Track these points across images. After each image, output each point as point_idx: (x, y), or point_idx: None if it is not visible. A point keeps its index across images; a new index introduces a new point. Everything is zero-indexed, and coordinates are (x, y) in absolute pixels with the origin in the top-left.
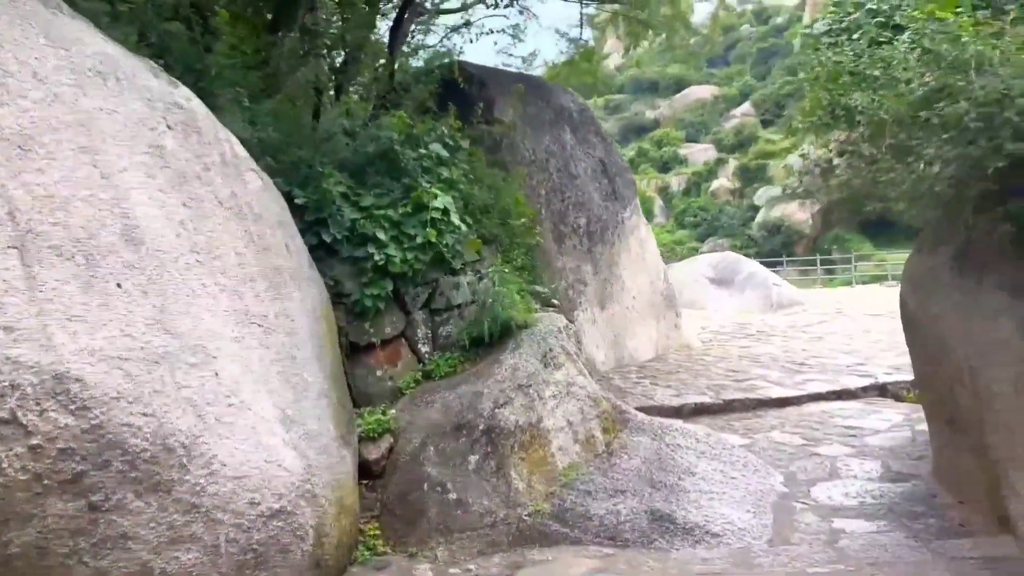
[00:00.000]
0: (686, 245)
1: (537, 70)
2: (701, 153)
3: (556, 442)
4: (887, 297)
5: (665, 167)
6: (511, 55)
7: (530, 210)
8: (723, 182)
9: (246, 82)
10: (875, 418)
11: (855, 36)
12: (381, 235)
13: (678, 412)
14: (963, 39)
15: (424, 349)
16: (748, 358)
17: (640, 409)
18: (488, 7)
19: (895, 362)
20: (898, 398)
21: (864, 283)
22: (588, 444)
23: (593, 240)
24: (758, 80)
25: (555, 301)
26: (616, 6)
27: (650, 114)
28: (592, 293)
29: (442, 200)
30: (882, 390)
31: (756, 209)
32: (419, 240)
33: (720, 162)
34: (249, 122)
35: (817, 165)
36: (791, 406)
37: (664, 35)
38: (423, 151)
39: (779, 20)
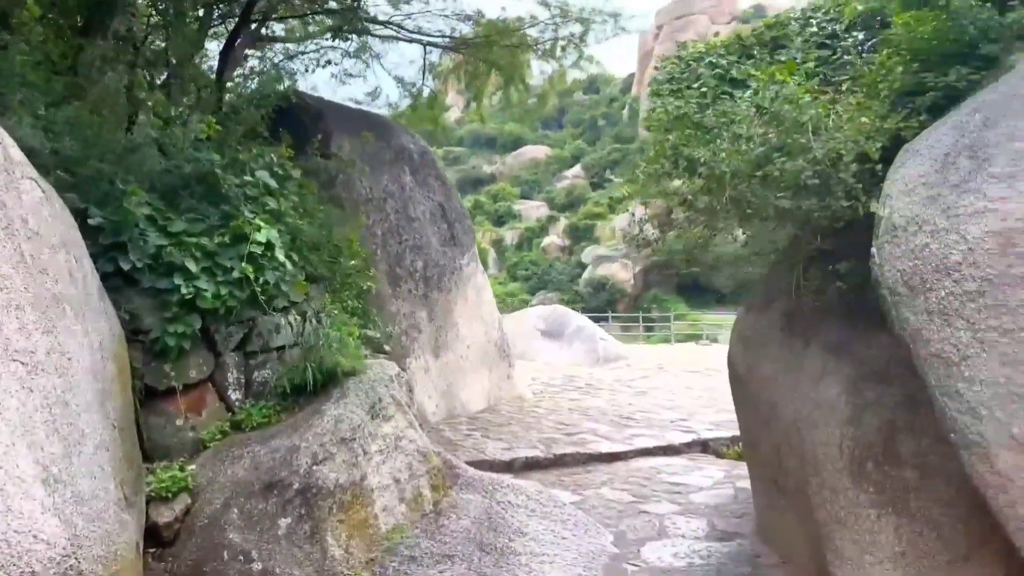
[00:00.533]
0: (517, 297)
1: (379, 110)
2: (534, 210)
3: (380, 502)
4: (703, 355)
5: (500, 221)
6: (346, 82)
7: (364, 250)
8: (554, 239)
9: (48, 87)
10: (699, 475)
11: (694, 85)
12: (191, 265)
13: (509, 467)
14: (802, 102)
15: (235, 396)
16: (578, 411)
17: (471, 463)
18: (330, 39)
19: (715, 418)
20: (719, 454)
21: (680, 341)
22: (415, 503)
23: (430, 285)
24: (589, 145)
25: (387, 347)
26: (457, 54)
27: (487, 168)
28: (426, 340)
29: (266, 233)
30: (704, 446)
31: (584, 266)
32: (236, 274)
33: (552, 220)
34: (43, 129)
35: (649, 219)
36: (620, 461)
37: (503, 86)
38: (248, 178)
39: (610, 91)
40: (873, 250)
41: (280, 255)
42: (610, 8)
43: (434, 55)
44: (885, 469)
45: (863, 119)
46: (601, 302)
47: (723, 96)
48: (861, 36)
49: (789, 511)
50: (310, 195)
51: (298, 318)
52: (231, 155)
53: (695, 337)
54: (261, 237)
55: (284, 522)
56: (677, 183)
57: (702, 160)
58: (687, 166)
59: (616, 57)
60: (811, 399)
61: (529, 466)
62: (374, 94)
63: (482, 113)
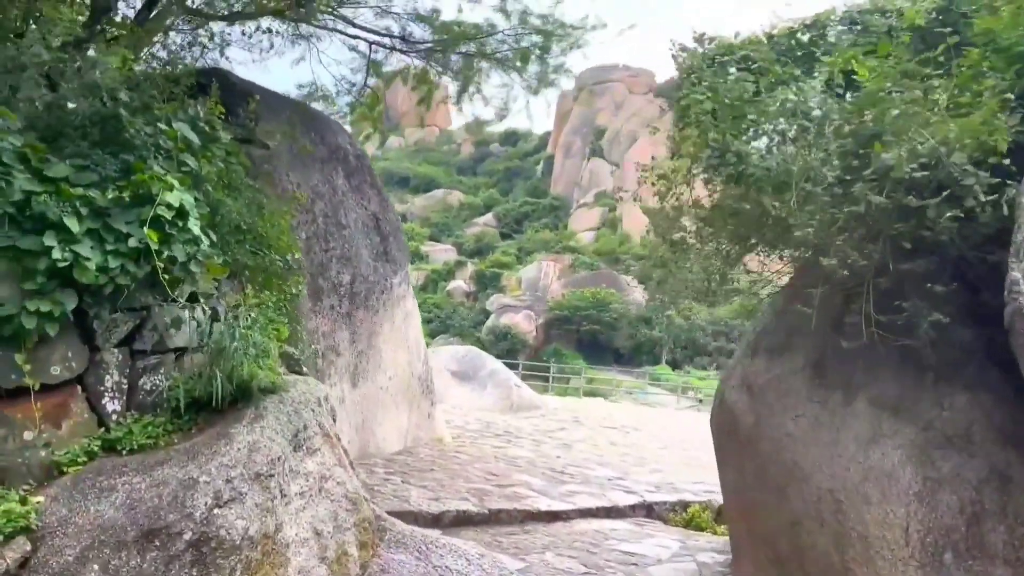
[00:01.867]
0: None
1: (314, 104)
2: (442, 253)
3: (296, 561)
4: (614, 411)
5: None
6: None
7: (296, 246)
8: (460, 284)
9: None
10: (651, 543)
11: (726, 79)
12: (72, 224)
13: (437, 521)
14: (900, 87)
15: (112, 407)
16: (505, 460)
17: (394, 514)
18: (266, 20)
19: (651, 479)
20: (663, 520)
21: (585, 395)
22: (339, 565)
23: (355, 303)
24: (502, 195)
25: (304, 369)
26: (404, 55)
27: (398, 207)
28: (345, 366)
29: (179, 196)
30: (649, 510)
31: (487, 314)
32: (133, 243)
33: (459, 264)
34: None
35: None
36: (560, 521)
37: (457, 95)
38: (164, 127)
39: (526, 145)
40: (1016, 275)
41: (195, 227)
42: (570, 20)
43: (379, 55)
44: (969, 563)
45: (977, 114)
46: (502, 351)
47: (778, 85)
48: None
49: None
50: (239, 165)
51: (207, 312)
52: (143, 99)
53: (594, 393)
54: (173, 199)
55: None
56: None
57: (755, 154)
58: (736, 162)
59: (534, 116)
60: (859, 466)
61: (460, 521)
62: (309, 88)
63: (424, 119)
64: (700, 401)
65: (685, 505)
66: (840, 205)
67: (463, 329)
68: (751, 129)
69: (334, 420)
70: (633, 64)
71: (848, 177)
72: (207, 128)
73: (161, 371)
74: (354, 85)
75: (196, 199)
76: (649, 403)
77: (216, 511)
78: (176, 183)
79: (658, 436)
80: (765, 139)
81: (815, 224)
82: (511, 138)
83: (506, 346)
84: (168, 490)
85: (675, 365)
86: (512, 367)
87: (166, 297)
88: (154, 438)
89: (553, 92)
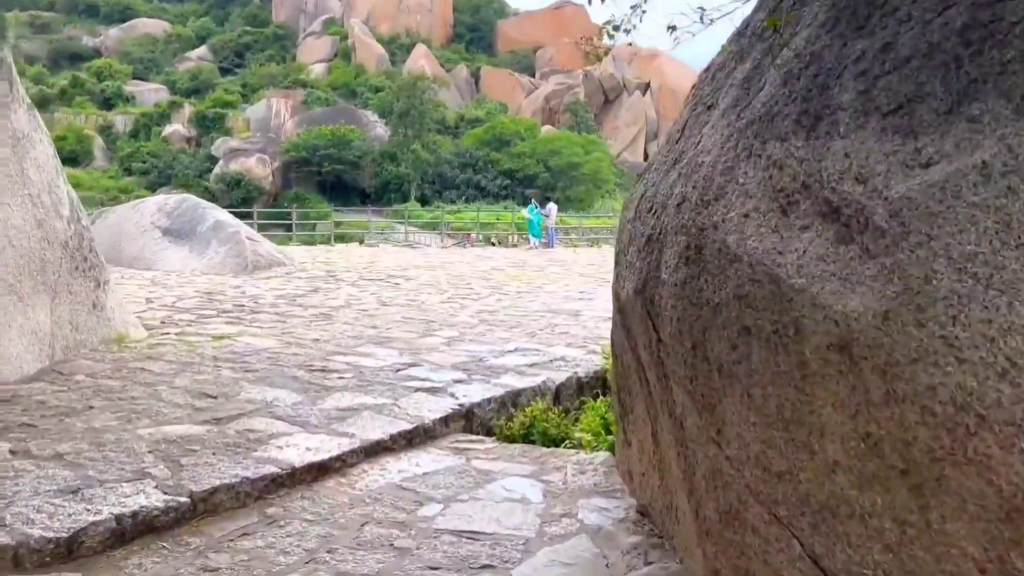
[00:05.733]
0: (133, 194)
1: None
2: (151, 93)
3: None
4: (374, 256)
5: (107, 103)
6: None
7: None
8: (178, 128)
9: None
10: (493, 497)
11: None
12: None
13: (71, 549)
14: None
15: None
16: (230, 361)
17: None
18: None
19: (454, 358)
20: (490, 431)
21: (337, 241)
22: None
23: None
24: (216, 24)
25: None
26: None
27: (89, 41)
28: None
29: None
30: (468, 419)
31: (214, 160)
32: None
33: (174, 106)
34: None
35: None
36: (333, 476)
37: None
38: None
39: None
40: None
41: None
42: None
43: None
44: None
45: None
46: (236, 200)
47: None
48: None
49: None
50: None
51: None
52: None
53: (345, 238)
54: None
55: None
56: None
57: None
58: None
59: None
60: None
61: (126, 536)
62: None
63: None
64: (464, 239)
65: (515, 398)
66: None
67: (188, 179)
68: None
69: None
70: None
71: None
72: None
73: None
74: None
75: None
76: (410, 244)
77: None
78: None
79: (434, 284)
80: None
81: None
82: None
83: (240, 194)
84: None
85: (424, 201)
86: (245, 217)
87: None
88: None
89: None
